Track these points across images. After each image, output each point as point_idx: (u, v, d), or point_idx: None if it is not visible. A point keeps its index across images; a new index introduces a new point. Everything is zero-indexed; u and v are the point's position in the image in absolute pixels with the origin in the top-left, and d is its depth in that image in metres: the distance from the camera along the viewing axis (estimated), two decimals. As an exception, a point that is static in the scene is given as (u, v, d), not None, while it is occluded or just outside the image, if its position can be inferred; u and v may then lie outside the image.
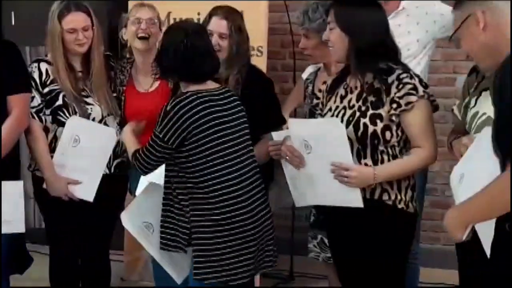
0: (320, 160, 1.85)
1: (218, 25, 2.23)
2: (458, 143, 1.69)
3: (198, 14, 3.45)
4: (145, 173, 2.08)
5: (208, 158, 1.92)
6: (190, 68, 1.95)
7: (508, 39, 1.44)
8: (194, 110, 1.90)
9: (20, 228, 2.41)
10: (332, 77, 2.02)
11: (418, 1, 2.53)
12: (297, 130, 1.94)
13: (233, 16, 2.28)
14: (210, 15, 2.28)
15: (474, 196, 1.32)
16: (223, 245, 1.91)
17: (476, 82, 1.73)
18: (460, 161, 1.61)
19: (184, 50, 1.92)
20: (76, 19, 2.35)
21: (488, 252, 1.46)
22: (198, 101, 1.92)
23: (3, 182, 2.26)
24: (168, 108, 1.91)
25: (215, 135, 1.93)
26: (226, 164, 1.93)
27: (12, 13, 4.00)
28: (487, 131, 1.38)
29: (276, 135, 2.10)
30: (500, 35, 1.48)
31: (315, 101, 2.14)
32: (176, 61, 1.94)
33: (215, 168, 1.92)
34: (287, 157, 1.95)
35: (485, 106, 1.63)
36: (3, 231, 2.28)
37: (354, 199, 1.80)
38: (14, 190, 2.37)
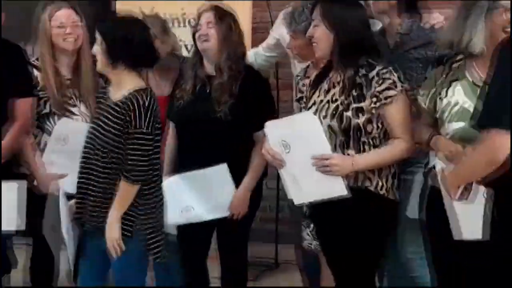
0: (300, 157, 1.95)
1: (205, 17, 2.33)
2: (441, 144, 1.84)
3: (182, 9, 3.60)
4: (152, 179, 2.04)
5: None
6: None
7: None
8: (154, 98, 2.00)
9: (22, 226, 2.48)
10: (316, 73, 2.13)
11: None
12: (273, 131, 2.02)
13: (220, 9, 2.38)
14: (200, 14, 2.38)
15: (464, 161, 1.61)
16: None
17: (445, 73, 1.86)
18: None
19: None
20: (65, 14, 2.42)
21: (454, 234, 1.64)
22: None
23: (7, 182, 2.34)
24: (143, 101, 1.94)
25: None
26: None
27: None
28: None
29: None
30: None
31: (299, 94, 2.26)
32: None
33: None
34: (269, 159, 2.06)
35: (458, 96, 1.78)
36: (5, 228, 2.36)
37: (339, 188, 1.89)
38: (19, 189, 2.44)
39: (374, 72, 1.91)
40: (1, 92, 2.29)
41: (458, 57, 1.85)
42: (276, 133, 2.01)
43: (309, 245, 2.42)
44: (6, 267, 2.62)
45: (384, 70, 1.92)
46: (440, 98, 1.86)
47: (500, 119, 1.38)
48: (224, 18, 2.34)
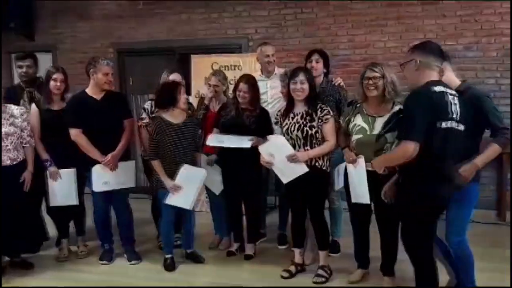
0: (280, 158, 3.67)
1: (243, 87, 4.08)
2: (348, 154, 3.51)
3: (233, 61, 5.69)
4: None
5: None
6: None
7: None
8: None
9: (74, 201, 4.14)
10: (282, 108, 3.87)
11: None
12: (264, 148, 3.77)
13: (251, 79, 4.16)
14: (239, 81, 4.21)
15: (387, 154, 3.18)
16: None
17: (352, 110, 3.56)
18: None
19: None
20: (176, 77, 4.30)
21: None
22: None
23: (62, 170, 4.02)
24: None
25: None
26: None
27: (131, 78, 6.48)
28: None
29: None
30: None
31: (275, 119, 3.95)
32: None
33: None
34: (264, 163, 3.85)
35: (358, 121, 3.46)
36: (62, 203, 4.08)
37: (302, 169, 3.68)
38: (70, 175, 4.10)
39: (318, 106, 3.73)
40: (120, 116, 4.18)
41: (359, 102, 3.56)
42: (265, 149, 3.78)
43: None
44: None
45: (324, 106, 3.73)
46: (350, 122, 3.50)
47: (407, 135, 2.76)
48: (253, 84, 4.13)
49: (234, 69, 5.72)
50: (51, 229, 4.39)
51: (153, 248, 4.57)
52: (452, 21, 5.64)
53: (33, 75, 4.56)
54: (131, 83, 7.02)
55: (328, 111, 3.71)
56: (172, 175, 3.93)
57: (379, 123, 3.38)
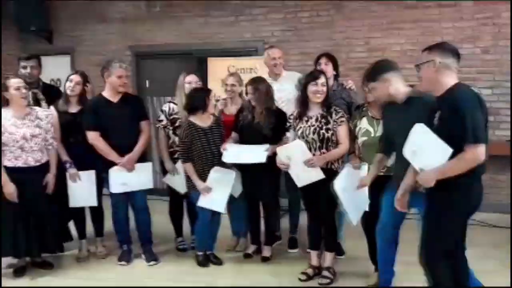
0: (297, 162, 3.67)
1: (249, 89, 4.16)
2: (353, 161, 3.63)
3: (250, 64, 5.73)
4: None
5: None
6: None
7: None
8: None
9: (94, 203, 4.22)
10: (295, 112, 3.87)
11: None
12: (281, 152, 3.78)
13: (255, 81, 4.18)
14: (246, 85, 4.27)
15: (446, 164, 2.57)
16: None
17: (359, 113, 3.65)
18: (407, 144, 2.80)
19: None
20: (192, 78, 4.35)
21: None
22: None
23: (82, 172, 4.09)
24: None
25: None
26: None
27: (147, 80, 6.55)
28: (419, 127, 2.71)
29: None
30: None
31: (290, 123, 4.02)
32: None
33: None
34: (281, 167, 3.86)
35: (364, 124, 3.55)
36: (82, 205, 4.20)
37: (318, 175, 3.70)
38: (89, 176, 4.15)
39: (332, 109, 3.76)
40: (138, 118, 4.23)
41: (365, 105, 3.64)
42: (284, 151, 3.80)
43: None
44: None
45: (338, 109, 3.77)
46: (356, 125, 3.63)
47: (476, 138, 2.51)
48: (260, 85, 4.14)
49: (251, 71, 5.73)
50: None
51: (170, 249, 4.62)
52: (470, 24, 5.63)
53: (37, 76, 4.58)
54: (147, 85, 7.10)
55: (343, 114, 3.75)
56: (203, 177, 4.03)
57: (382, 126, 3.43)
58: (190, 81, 4.35)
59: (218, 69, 5.88)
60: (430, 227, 2.81)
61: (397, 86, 3.12)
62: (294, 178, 3.82)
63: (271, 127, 4.13)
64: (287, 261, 4.29)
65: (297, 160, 3.72)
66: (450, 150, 2.60)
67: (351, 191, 3.49)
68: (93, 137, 4.04)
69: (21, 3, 6.87)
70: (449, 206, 2.71)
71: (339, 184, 3.55)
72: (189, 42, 6.76)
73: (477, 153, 2.57)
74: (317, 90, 3.71)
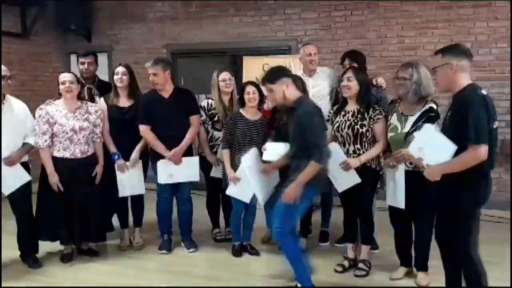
0: (334, 166, 3.67)
1: None
2: (388, 159, 3.62)
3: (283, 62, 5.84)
4: None
5: None
6: None
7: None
8: None
9: (142, 191, 4.44)
10: (336, 106, 4.04)
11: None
12: None
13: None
14: None
15: (450, 161, 2.76)
16: None
17: (391, 109, 3.71)
18: (413, 141, 3.05)
19: None
20: (226, 75, 4.45)
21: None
22: None
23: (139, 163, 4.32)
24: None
25: None
26: None
27: (182, 78, 6.74)
28: (428, 127, 3.05)
29: None
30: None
31: (328, 117, 4.06)
32: None
33: None
34: None
35: (393, 120, 3.60)
36: (130, 194, 4.39)
37: (355, 179, 3.72)
38: (137, 166, 4.35)
39: (371, 106, 3.84)
40: (188, 112, 4.36)
41: (398, 101, 3.69)
42: None
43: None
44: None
45: (376, 106, 3.84)
46: (388, 120, 3.67)
47: (478, 139, 2.68)
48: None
49: (285, 70, 5.87)
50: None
51: (207, 240, 4.77)
52: (504, 24, 5.65)
53: (94, 72, 4.77)
54: (182, 83, 7.28)
55: (380, 111, 3.79)
56: (236, 168, 4.15)
57: (410, 122, 3.52)
58: (224, 78, 4.48)
59: (253, 67, 6.01)
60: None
61: (290, 91, 3.47)
62: (334, 182, 3.88)
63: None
64: (320, 253, 4.41)
65: (334, 164, 3.74)
66: (454, 147, 2.79)
67: None
68: (144, 130, 4.24)
69: (62, 3, 7.13)
70: (457, 202, 2.88)
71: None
72: (223, 41, 6.92)
73: (478, 152, 2.72)
74: (343, 85, 3.84)
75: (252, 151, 4.01)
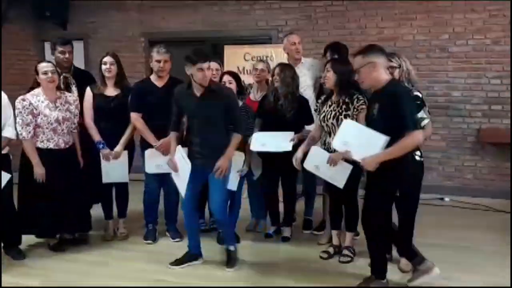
0: (324, 167, 3.72)
1: (275, 72, 4.32)
2: None
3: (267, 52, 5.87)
4: None
5: None
6: None
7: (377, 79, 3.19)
8: None
9: (126, 179, 4.38)
10: (323, 96, 4.10)
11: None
12: (309, 164, 3.88)
13: (284, 66, 4.39)
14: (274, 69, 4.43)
15: (389, 149, 3.02)
16: None
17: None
18: (336, 137, 3.44)
19: None
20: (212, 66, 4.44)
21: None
22: None
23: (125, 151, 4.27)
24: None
25: None
26: None
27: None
28: (349, 122, 3.43)
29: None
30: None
31: (316, 107, 4.18)
32: None
33: None
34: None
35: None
36: (114, 181, 4.31)
37: (347, 168, 3.64)
38: (122, 155, 4.31)
39: (355, 97, 3.88)
40: None
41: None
42: (308, 165, 3.89)
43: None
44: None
45: (360, 96, 3.87)
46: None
47: (415, 125, 3.06)
48: (287, 68, 4.34)
49: (267, 59, 5.88)
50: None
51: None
52: (481, 16, 5.79)
53: (72, 60, 4.66)
54: (161, 72, 7.23)
55: (364, 102, 3.81)
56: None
57: None
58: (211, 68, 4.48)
59: (235, 57, 6.04)
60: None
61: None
62: (333, 182, 3.84)
63: (293, 112, 4.26)
64: (304, 241, 4.50)
65: (322, 164, 3.78)
66: (385, 138, 3.07)
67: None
68: (135, 118, 4.24)
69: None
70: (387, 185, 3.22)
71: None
72: (203, 29, 6.88)
73: (417, 138, 3.07)
74: (324, 76, 3.95)
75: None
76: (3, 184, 3.79)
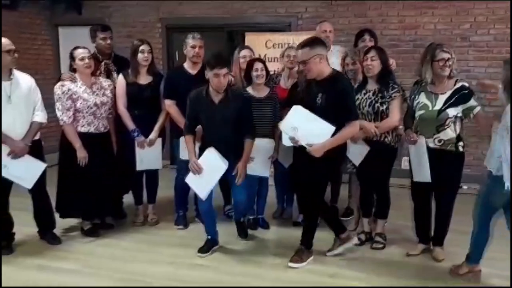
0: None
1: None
2: (410, 135, 3.75)
3: (291, 38, 5.86)
4: None
5: None
6: None
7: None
8: None
9: (159, 166, 4.45)
10: (356, 84, 4.10)
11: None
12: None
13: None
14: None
15: (332, 138, 3.40)
16: None
17: (417, 88, 3.80)
18: (286, 118, 3.59)
19: None
20: (247, 52, 4.56)
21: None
22: None
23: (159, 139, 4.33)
24: None
25: None
26: None
27: (176, 52, 6.66)
28: (299, 109, 3.51)
29: None
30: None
31: None
32: None
33: None
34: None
35: (422, 98, 3.70)
36: (147, 168, 4.36)
37: (365, 149, 3.86)
38: (157, 143, 4.36)
39: (390, 85, 3.92)
40: None
41: (423, 81, 3.77)
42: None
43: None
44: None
45: (395, 85, 3.91)
46: (414, 99, 3.78)
47: (356, 116, 3.49)
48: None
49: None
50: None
51: (219, 215, 4.73)
52: (503, 5, 5.79)
53: (112, 47, 4.66)
54: (177, 58, 7.21)
55: (398, 90, 3.88)
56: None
57: (441, 100, 3.63)
58: (244, 55, 4.49)
59: (255, 44, 5.98)
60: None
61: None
62: (350, 158, 4.04)
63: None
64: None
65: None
66: (332, 128, 3.41)
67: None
68: (169, 104, 4.26)
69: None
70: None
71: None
72: (221, 16, 6.85)
73: (357, 127, 3.55)
74: (367, 64, 3.91)
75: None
76: (39, 173, 3.80)
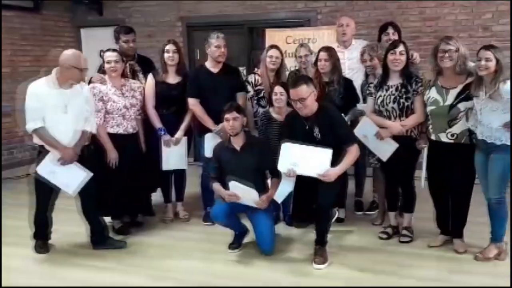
0: (371, 139, 3.95)
1: (322, 55, 4.32)
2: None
3: (309, 34, 5.89)
4: None
5: None
6: None
7: None
8: None
9: (185, 166, 4.52)
10: (376, 80, 4.06)
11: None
12: (358, 133, 3.98)
13: (330, 49, 4.41)
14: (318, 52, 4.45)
15: (343, 164, 3.64)
16: None
17: (427, 83, 3.74)
18: (281, 159, 3.68)
19: None
20: (274, 52, 4.45)
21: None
22: None
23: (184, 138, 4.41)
24: None
25: None
26: None
27: (197, 51, 6.73)
28: (287, 145, 3.63)
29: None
30: None
31: (368, 91, 4.16)
32: None
33: None
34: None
35: (432, 93, 3.70)
36: (173, 168, 4.44)
37: (393, 146, 3.88)
38: (182, 142, 4.42)
39: (413, 79, 3.92)
40: (235, 89, 4.46)
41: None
42: (358, 133, 4.00)
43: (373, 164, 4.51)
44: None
45: (418, 79, 3.91)
46: (425, 94, 3.75)
47: (355, 140, 3.71)
48: (333, 52, 4.34)
49: (309, 42, 5.90)
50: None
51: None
52: (526, -5, 5.74)
53: (135, 48, 4.72)
54: (197, 56, 7.28)
55: (422, 84, 3.87)
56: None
57: (452, 95, 3.63)
58: (271, 55, 4.49)
59: (276, 40, 6.00)
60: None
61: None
62: (377, 153, 4.10)
63: (341, 95, 4.31)
64: (358, 221, 4.61)
65: (370, 136, 3.98)
66: (330, 151, 3.57)
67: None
68: (193, 103, 4.35)
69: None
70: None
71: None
72: (240, 12, 6.90)
73: (358, 149, 3.77)
74: (395, 59, 3.86)
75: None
76: (84, 182, 3.79)
